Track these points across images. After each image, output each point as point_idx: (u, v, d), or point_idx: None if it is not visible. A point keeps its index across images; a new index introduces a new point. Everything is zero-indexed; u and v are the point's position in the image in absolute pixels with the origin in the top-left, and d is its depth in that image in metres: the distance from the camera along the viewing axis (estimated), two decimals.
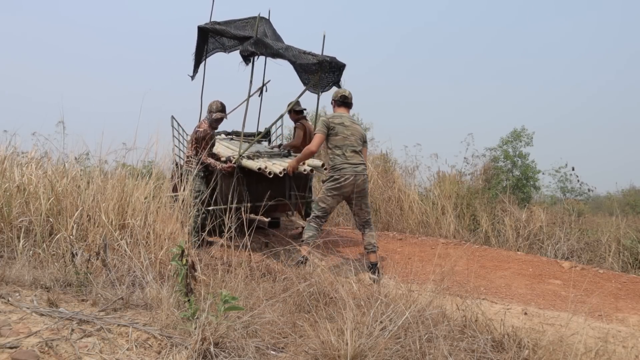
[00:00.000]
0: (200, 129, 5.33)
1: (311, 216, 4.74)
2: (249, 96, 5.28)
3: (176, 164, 5.58)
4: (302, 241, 4.60)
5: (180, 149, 6.13)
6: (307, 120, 6.54)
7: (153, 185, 4.07)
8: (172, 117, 6.12)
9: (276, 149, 6.25)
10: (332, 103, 5.07)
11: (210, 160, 5.27)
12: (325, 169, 5.22)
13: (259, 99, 6.70)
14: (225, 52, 6.18)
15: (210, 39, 5.86)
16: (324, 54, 5.15)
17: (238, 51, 5.58)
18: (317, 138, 4.73)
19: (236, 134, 6.96)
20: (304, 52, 5.15)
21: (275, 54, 5.18)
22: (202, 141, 5.27)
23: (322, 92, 5.91)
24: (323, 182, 4.85)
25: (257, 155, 5.47)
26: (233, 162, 5.16)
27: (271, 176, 4.99)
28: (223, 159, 5.38)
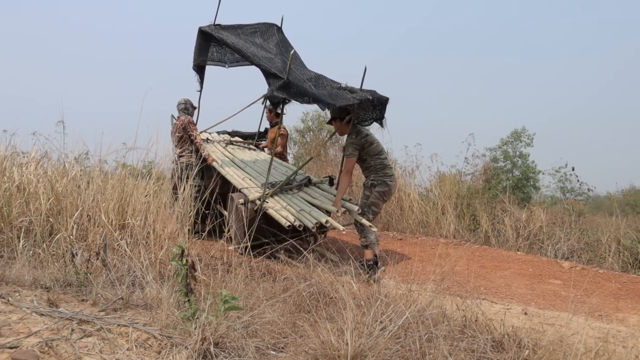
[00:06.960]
0: (187, 119, 5.77)
1: (364, 221, 4.69)
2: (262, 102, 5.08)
3: (176, 164, 5.57)
4: (366, 246, 4.65)
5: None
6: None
7: (153, 185, 4.06)
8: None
9: (295, 175, 5.36)
10: (336, 120, 4.92)
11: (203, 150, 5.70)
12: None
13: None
14: (225, 66, 5.52)
15: (211, 46, 5.15)
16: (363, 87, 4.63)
17: (237, 64, 5.20)
18: (352, 162, 4.77)
19: (235, 134, 6.94)
20: (339, 88, 4.45)
21: (308, 95, 4.21)
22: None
23: (363, 126, 5.05)
24: (371, 186, 4.77)
25: (277, 191, 4.92)
26: (256, 207, 4.71)
27: (301, 229, 4.45)
28: (241, 201, 4.86)
